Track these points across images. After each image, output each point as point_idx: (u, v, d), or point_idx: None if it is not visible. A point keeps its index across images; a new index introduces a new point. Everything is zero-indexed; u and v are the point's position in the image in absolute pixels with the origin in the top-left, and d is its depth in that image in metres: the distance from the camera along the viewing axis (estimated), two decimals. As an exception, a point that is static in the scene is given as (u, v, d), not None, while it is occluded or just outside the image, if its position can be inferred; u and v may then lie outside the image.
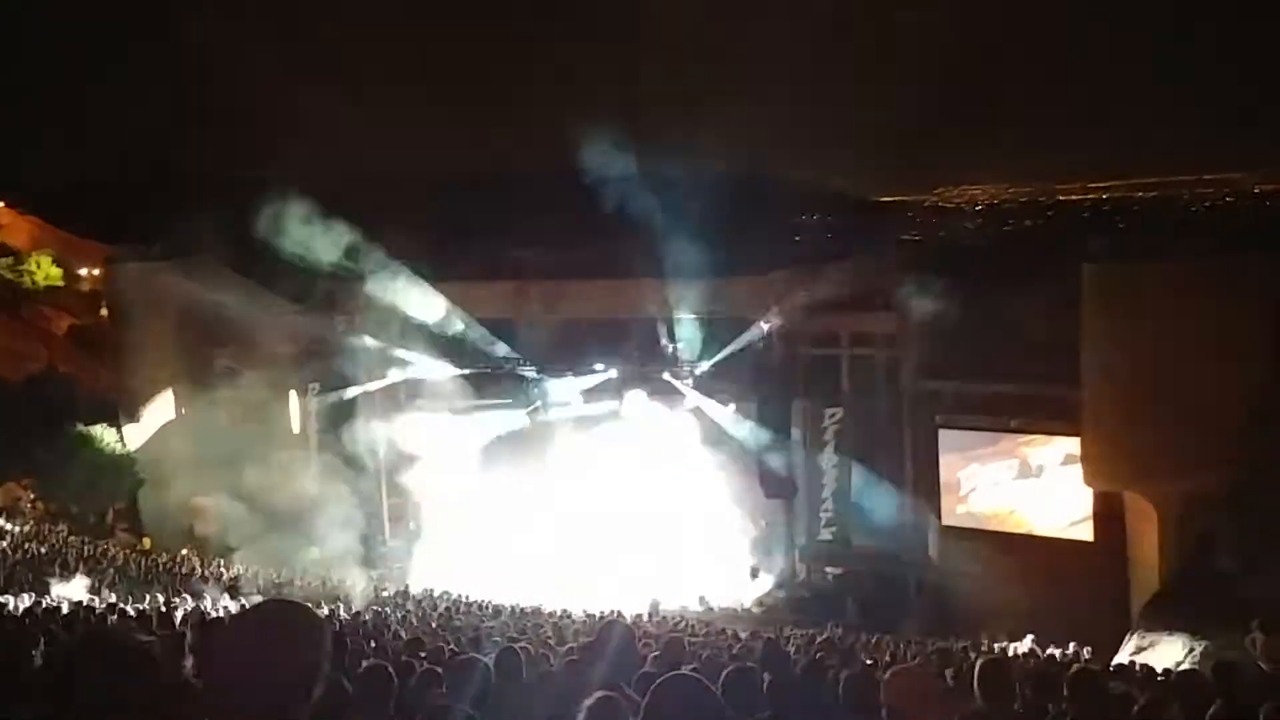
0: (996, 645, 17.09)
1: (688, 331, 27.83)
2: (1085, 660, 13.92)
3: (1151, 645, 16.82)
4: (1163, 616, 17.94)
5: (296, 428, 28.99)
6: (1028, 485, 23.49)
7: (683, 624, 18.84)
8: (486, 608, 20.09)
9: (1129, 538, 21.26)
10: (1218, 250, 24.03)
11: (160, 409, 28.81)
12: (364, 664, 5.69)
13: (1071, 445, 21.89)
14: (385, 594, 22.50)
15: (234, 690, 2.24)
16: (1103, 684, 4.53)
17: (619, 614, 18.12)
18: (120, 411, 28.71)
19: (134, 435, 28.46)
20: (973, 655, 14.66)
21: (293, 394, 29.05)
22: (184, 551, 24.95)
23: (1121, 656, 16.15)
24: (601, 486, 27.79)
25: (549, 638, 12.21)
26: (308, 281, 28.27)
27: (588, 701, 2.98)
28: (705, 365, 27.68)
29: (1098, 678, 4.82)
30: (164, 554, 24.24)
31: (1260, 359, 18.84)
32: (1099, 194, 68.69)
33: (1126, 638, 17.76)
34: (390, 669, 5.00)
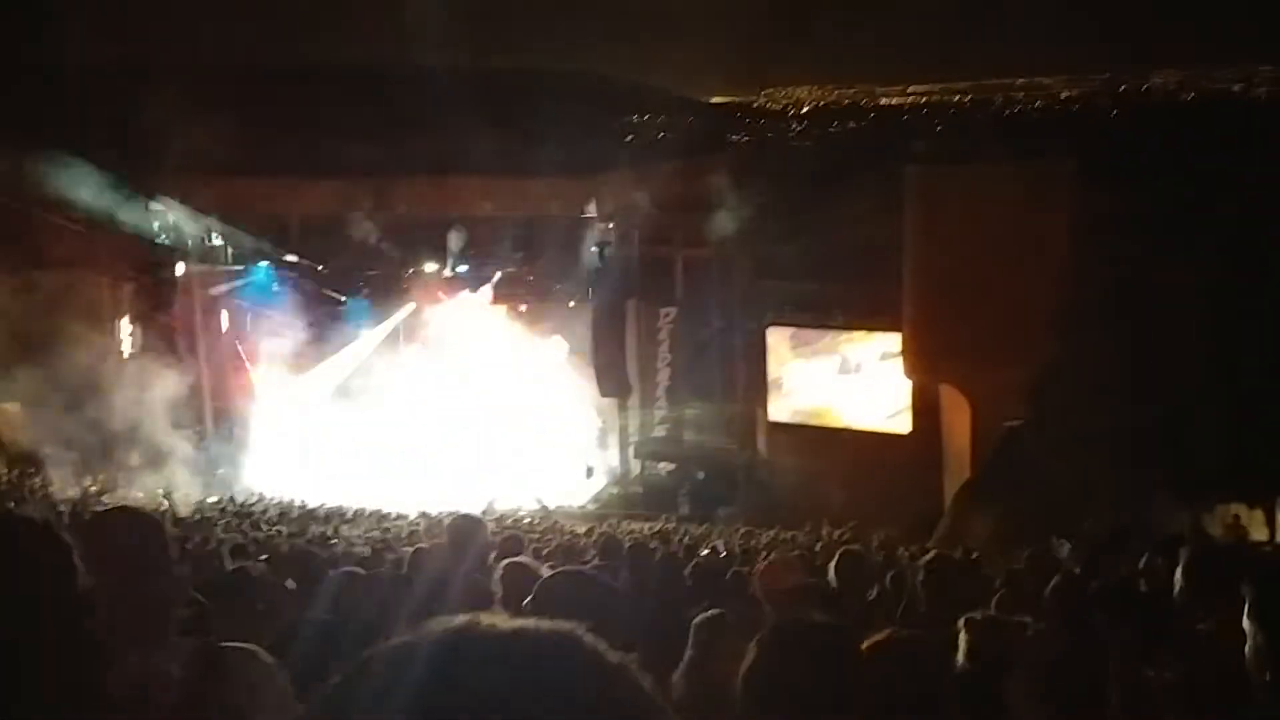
0: (822, 534, 17.86)
1: (520, 231, 27.60)
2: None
3: (959, 529, 17.88)
4: (972, 501, 19.10)
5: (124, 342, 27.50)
6: (848, 381, 24.44)
7: (519, 522, 19.01)
8: (318, 512, 19.86)
9: (944, 429, 22.43)
10: (1027, 154, 25.11)
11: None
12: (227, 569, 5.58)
13: (890, 342, 22.86)
14: (211, 501, 21.95)
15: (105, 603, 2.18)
16: (954, 572, 4.81)
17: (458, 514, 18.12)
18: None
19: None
20: (800, 542, 15.32)
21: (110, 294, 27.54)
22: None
23: (935, 538, 17.14)
24: (433, 388, 27.59)
25: (388, 537, 12.18)
26: (121, 174, 26.68)
27: (497, 573, 3.01)
28: (539, 264, 27.55)
29: (949, 565, 5.11)
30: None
31: (1063, 259, 19.94)
32: (918, 97, 70.57)
33: (939, 523, 18.85)
34: (250, 573, 4.92)
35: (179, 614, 2.33)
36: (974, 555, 11.15)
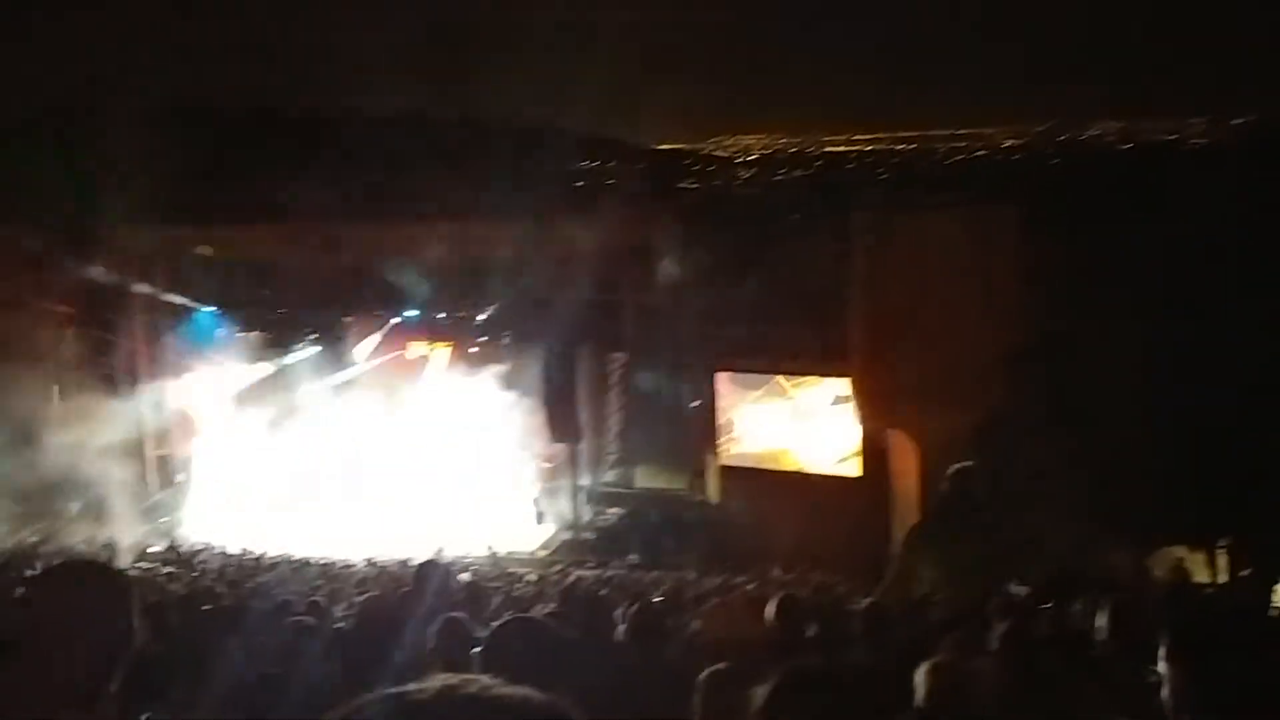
0: (770, 578, 17.86)
1: (469, 275, 27.50)
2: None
3: (910, 573, 17.92)
4: (920, 544, 19.19)
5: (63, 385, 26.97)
6: (799, 425, 24.55)
7: (469, 570, 18.82)
8: (262, 562, 19.53)
9: (893, 473, 22.57)
10: (971, 201, 25.59)
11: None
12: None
13: (841, 386, 23.03)
14: (153, 550, 21.52)
15: (48, 658, 2.12)
16: (891, 617, 4.83)
17: (409, 561, 17.93)
18: None
19: None
20: (750, 587, 15.30)
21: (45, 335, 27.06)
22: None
23: (882, 584, 17.20)
24: (381, 435, 27.32)
25: (337, 588, 11.99)
26: (64, 220, 26.33)
27: (433, 627, 2.97)
28: (487, 310, 27.46)
29: (887, 610, 5.13)
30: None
31: (1008, 305, 20.27)
32: (863, 145, 71.71)
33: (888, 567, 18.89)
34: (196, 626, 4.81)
35: (122, 670, 2.26)
36: (920, 598, 11.20)
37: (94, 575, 2.37)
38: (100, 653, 2.20)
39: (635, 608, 5.23)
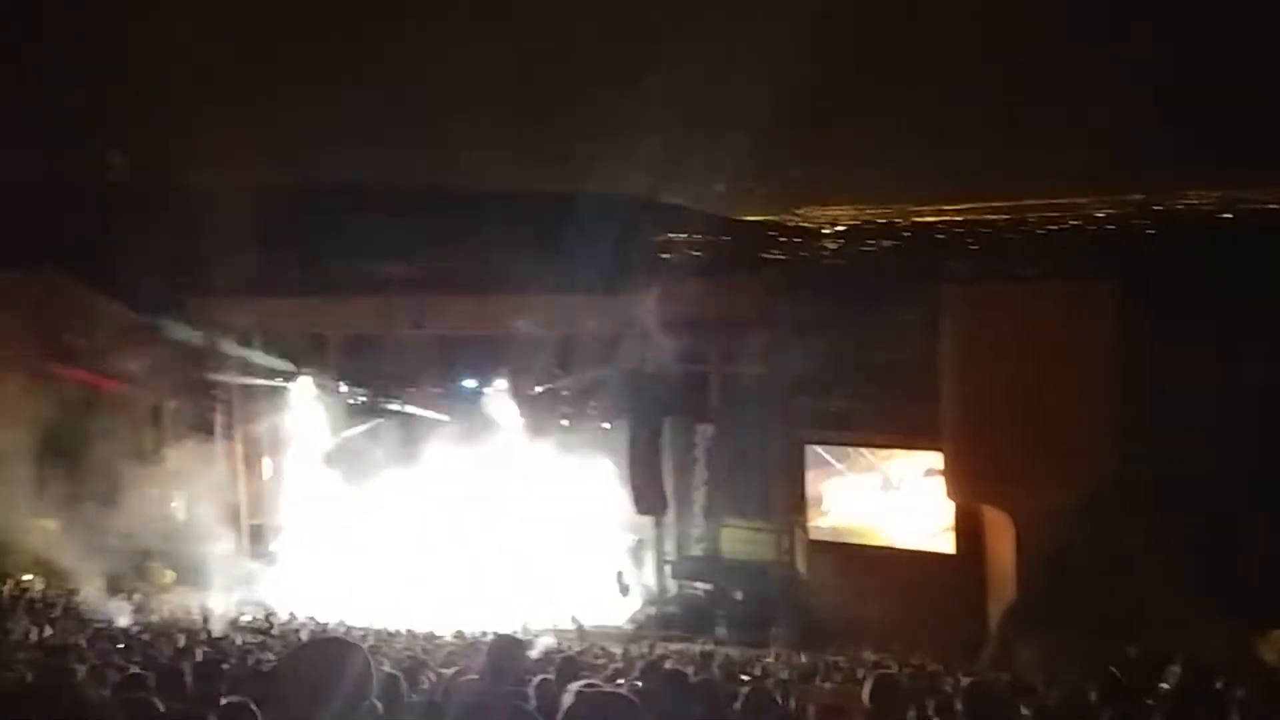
0: (864, 657, 17.45)
1: (558, 348, 27.72)
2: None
3: (1007, 653, 17.43)
4: (1018, 625, 18.65)
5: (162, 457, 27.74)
6: (889, 499, 24.09)
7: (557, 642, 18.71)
8: (353, 632, 19.64)
9: (988, 550, 22.02)
10: (1065, 273, 25.15)
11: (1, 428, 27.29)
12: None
13: (932, 460, 22.59)
14: (245, 619, 21.79)
15: None
16: (996, 694, 4.64)
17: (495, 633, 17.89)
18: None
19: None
20: (843, 667, 14.96)
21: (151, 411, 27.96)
22: (27, 577, 23.68)
23: (979, 664, 16.70)
24: (470, 506, 27.46)
25: (426, 660, 11.98)
26: (163, 296, 27.34)
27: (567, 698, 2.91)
28: (575, 382, 27.60)
29: (991, 688, 4.94)
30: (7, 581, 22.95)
31: (1106, 378, 19.78)
32: (952, 216, 71.10)
33: (984, 646, 18.38)
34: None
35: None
36: (1020, 681, 10.84)
37: (343, 652, 2.49)
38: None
39: (748, 688, 5.12)
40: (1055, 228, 60.90)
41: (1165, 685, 6.40)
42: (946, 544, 22.98)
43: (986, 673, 14.03)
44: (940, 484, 22.25)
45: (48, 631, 15.02)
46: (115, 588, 23.08)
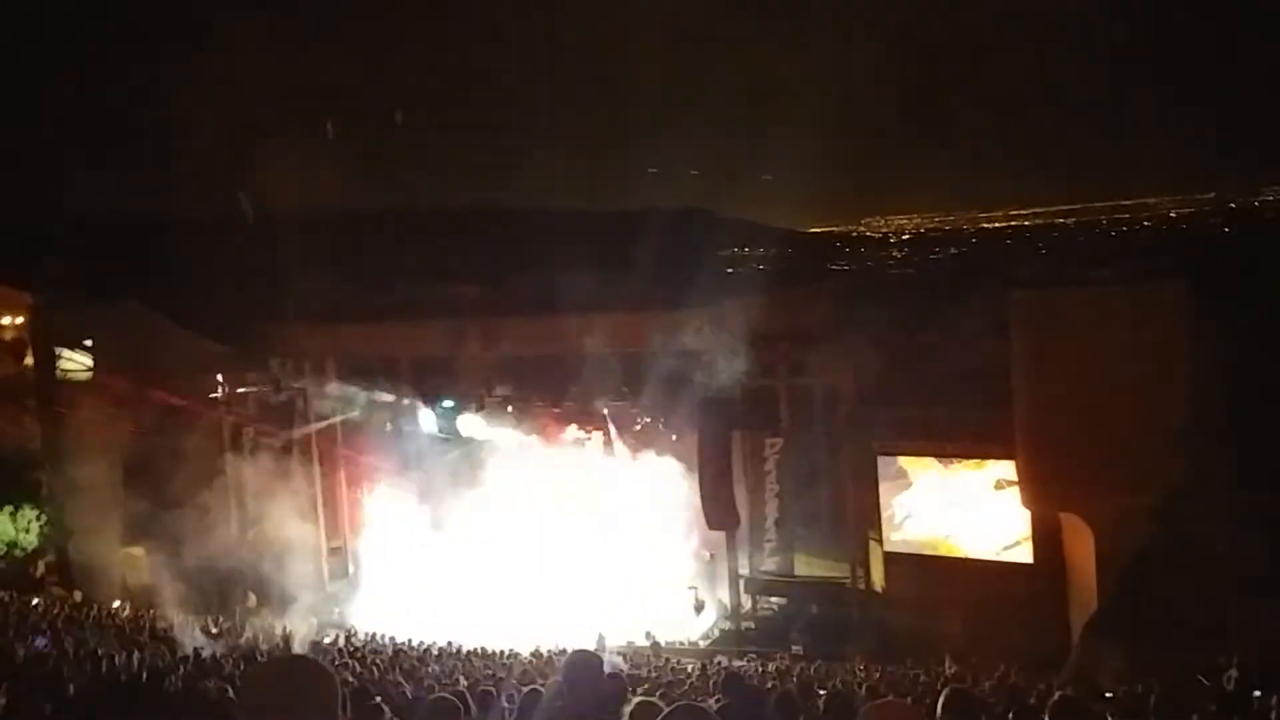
0: (943, 670, 17.27)
1: (626, 365, 27.86)
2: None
3: (1092, 663, 17.11)
4: (1100, 636, 18.30)
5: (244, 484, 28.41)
6: (963, 509, 23.75)
7: (633, 659, 18.80)
8: (432, 650, 19.88)
9: (1067, 559, 21.65)
10: (1137, 274, 24.69)
11: (89, 458, 28.08)
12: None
13: (1005, 469, 22.27)
14: (327, 640, 22.12)
15: None
16: (1083, 710, 4.61)
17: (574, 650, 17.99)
18: (46, 462, 27.97)
19: (62, 486, 27.71)
20: (923, 680, 14.84)
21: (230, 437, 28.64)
22: (116, 603, 24.33)
23: (1062, 676, 16.42)
24: (542, 523, 27.66)
25: (502, 677, 12.14)
26: (239, 324, 28.01)
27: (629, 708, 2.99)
28: (645, 398, 27.69)
29: (1078, 705, 4.90)
30: (96, 607, 23.59)
31: (1182, 379, 19.39)
32: (1020, 220, 70.20)
33: (1069, 657, 18.08)
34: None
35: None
36: (1105, 693, 10.68)
37: (307, 672, 2.49)
38: None
39: (827, 694, 5.14)
40: (1126, 229, 59.85)
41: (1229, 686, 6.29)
42: (1024, 554, 22.63)
43: (1071, 685, 13.83)
44: (1016, 493, 21.94)
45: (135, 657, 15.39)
46: (200, 612, 23.59)
